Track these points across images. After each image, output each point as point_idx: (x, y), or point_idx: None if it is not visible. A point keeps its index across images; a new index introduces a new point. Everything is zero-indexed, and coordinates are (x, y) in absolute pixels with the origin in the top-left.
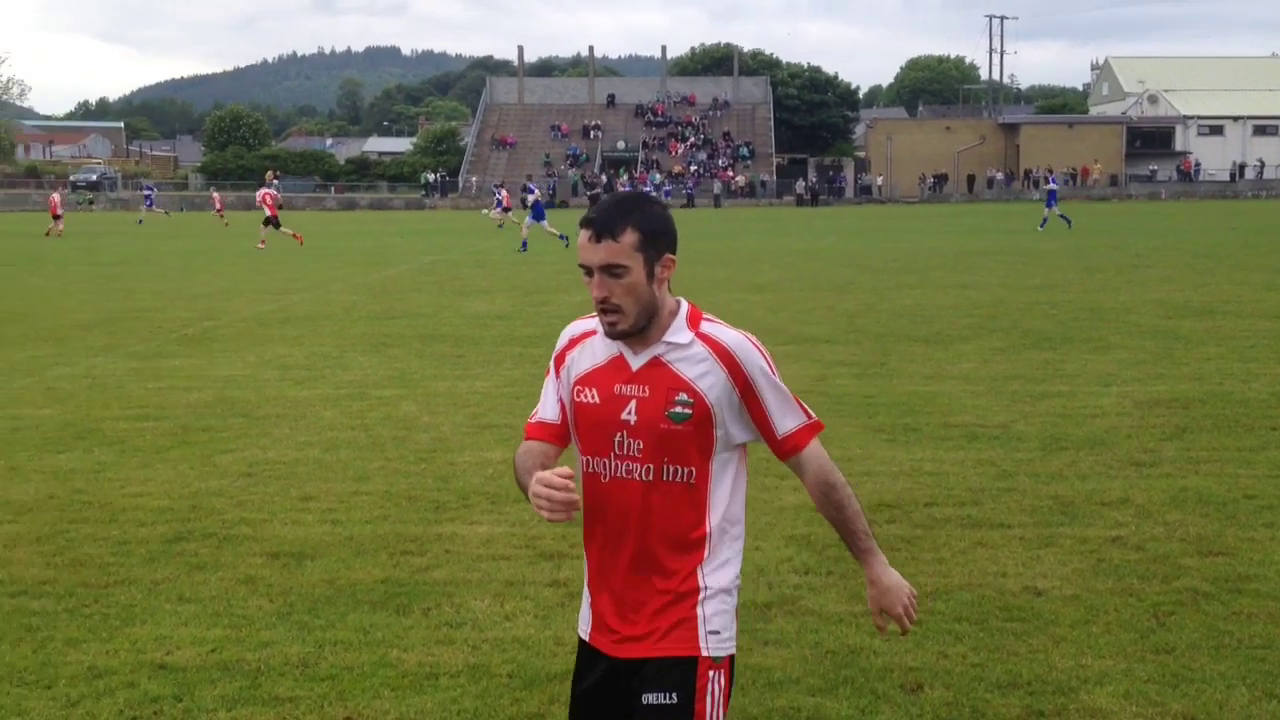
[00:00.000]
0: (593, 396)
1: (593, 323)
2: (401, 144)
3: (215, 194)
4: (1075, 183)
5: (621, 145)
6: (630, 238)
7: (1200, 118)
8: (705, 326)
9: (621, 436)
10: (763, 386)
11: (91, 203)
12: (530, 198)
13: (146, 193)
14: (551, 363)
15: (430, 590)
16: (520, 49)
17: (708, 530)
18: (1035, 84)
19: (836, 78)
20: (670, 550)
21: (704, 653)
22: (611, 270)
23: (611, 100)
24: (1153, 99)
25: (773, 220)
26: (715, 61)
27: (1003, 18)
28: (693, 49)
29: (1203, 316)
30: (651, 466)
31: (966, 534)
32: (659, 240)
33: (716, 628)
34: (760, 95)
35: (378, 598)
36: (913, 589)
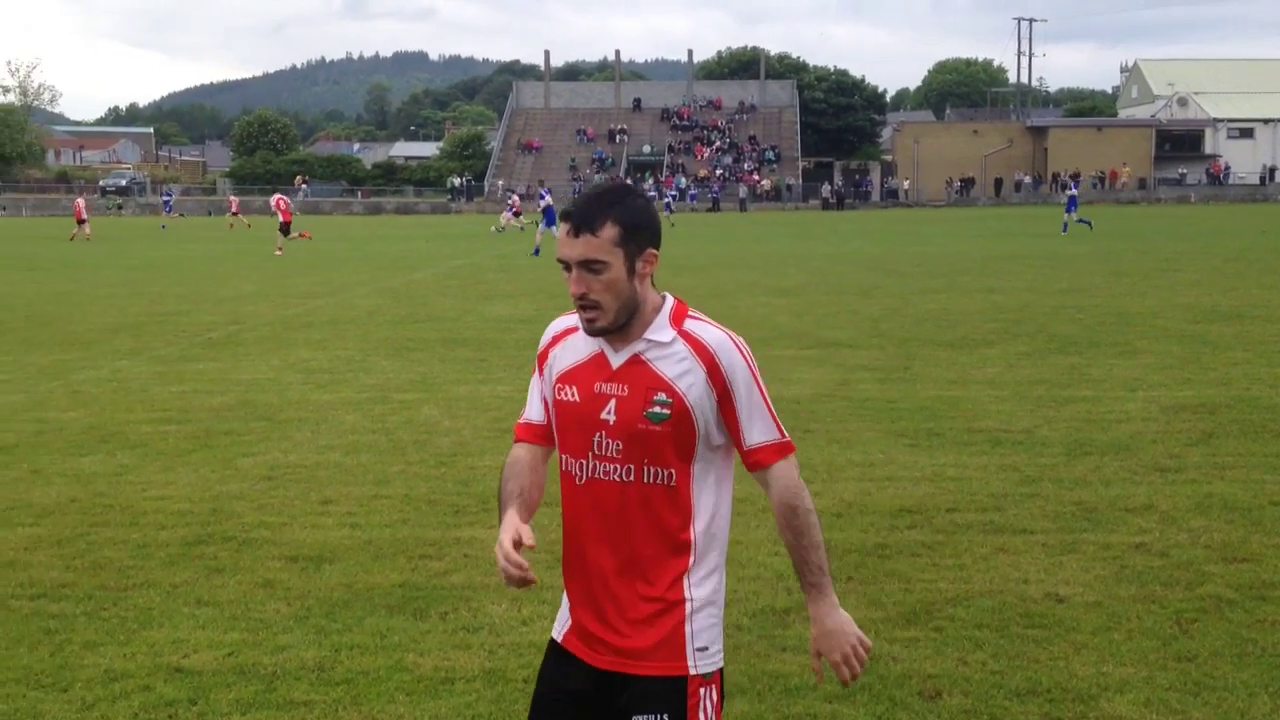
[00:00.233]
0: (573, 395)
1: (576, 319)
2: (428, 149)
3: (232, 197)
4: (1104, 186)
5: (647, 149)
6: (610, 232)
7: (1230, 120)
8: (689, 324)
9: (600, 436)
10: (739, 391)
11: (120, 207)
12: (542, 203)
13: (166, 199)
14: (536, 361)
15: (448, 594)
16: (546, 53)
17: (692, 536)
18: (1064, 87)
19: (863, 81)
20: (653, 555)
21: (693, 671)
22: (590, 266)
23: (637, 104)
24: (1182, 102)
25: (798, 224)
26: (741, 65)
27: (1031, 20)
28: (719, 53)
29: (1231, 321)
30: (631, 468)
31: (988, 540)
32: (640, 234)
33: (704, 643)
34: (786, 99)
35: (395, 602)
36: (864, 639)
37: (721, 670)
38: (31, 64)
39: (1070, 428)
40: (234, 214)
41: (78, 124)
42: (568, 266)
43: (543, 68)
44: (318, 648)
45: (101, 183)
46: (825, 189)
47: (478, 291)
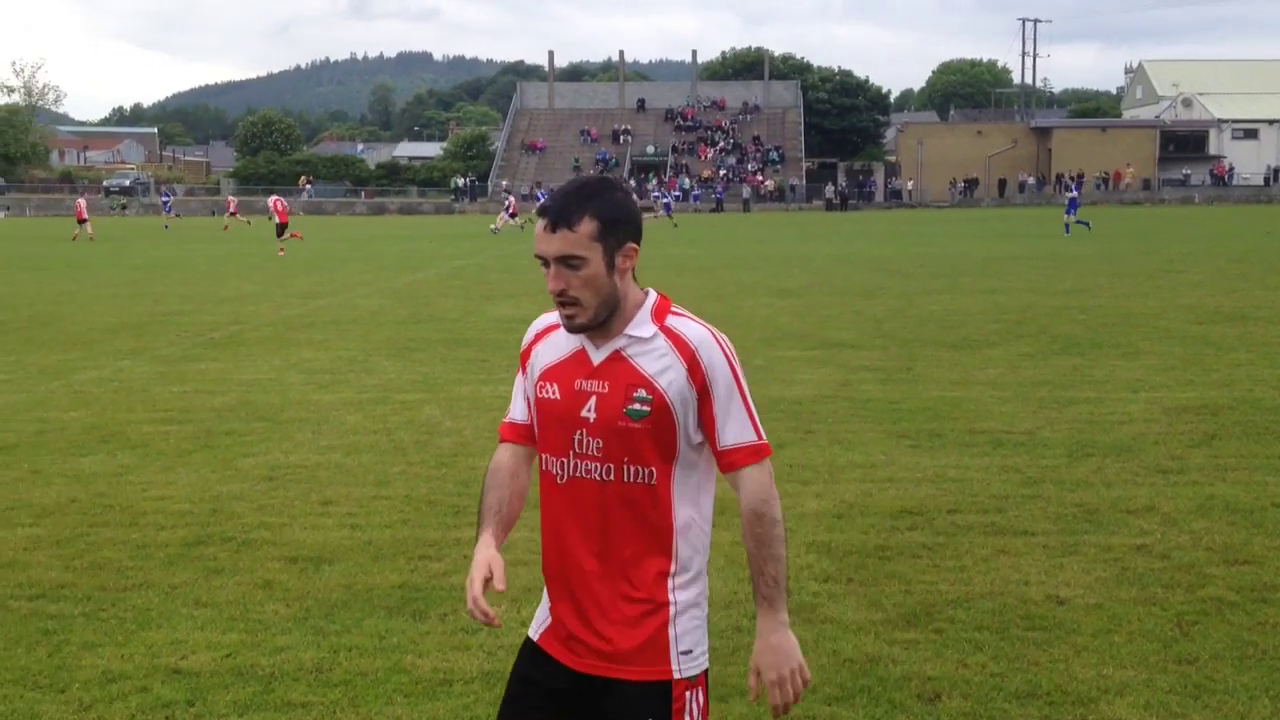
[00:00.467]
0: (554, 392)
1: (558, 316)
2: (432, 149)
3: (230, 197)
4: (1108, 187)
5: (651, 150)
6: (587, 227)
7: (1235, 121)
8: (671, 320)
9: (581, 434)
10: (718, 389)
11: (125, 207)
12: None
13: (164, 199)
14: (519, 359)
15: (447, 596)
16: (551, 54)
17: (674, 537)
18: (1068, 87)
19: (867, 81)
20: (635, 556)
21: (677, 675)
22: (568, 261)
23: (641, 105)
24: (1187, 102)
25: (802, 225)
26: (746, 65)
27: (1036, 20)
28: (723, 53)
29: (1234, 322)
30: (611, 467)
31: (989, 541)
32: (619, 228)
33: (688, 646)
34: (790, 99)
35: (394, 603)
36: (806, 670)
37: (706, 672)
38: (36, 64)
39: (1072, 429)
40: (231, 214)
41: (82, 124)
42: (546, 262)
43: (547, 68)
44: (316, 649)
45: (105, 183)
46: (829, 190)
47: (480, 292)
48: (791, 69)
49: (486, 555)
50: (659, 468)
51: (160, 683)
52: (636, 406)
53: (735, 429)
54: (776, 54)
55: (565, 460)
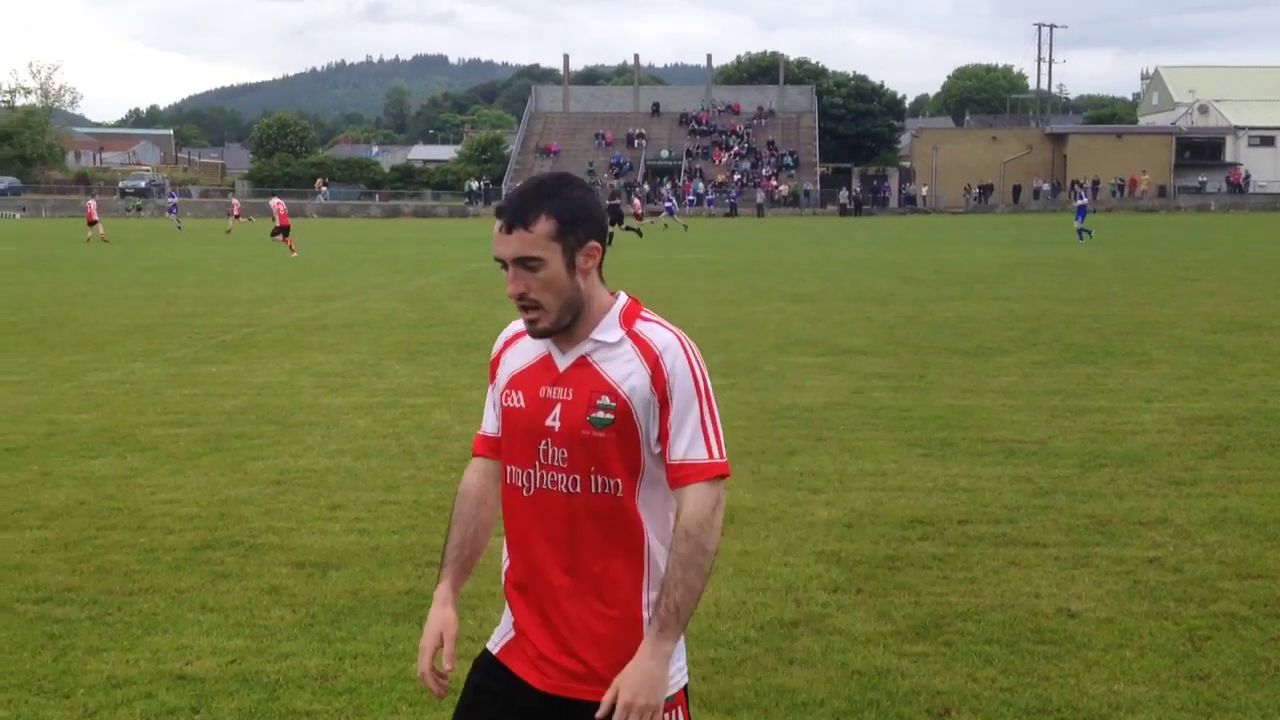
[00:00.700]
0: (519, 400)
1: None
2: (447, 152)
3: (234, 199)
4: (1123, 194)
5: (665, 154)
6: (544, 226)
7: (1251, 128)
8: (639, 325)
9: (546, 444)
10: (677, 399)
11: (140, 209)
12: None
13: (171, 201)
14: (489, 367)
15: None
16: (566, 57)
17: (646, 551)
18: (1084, 93)
19: (882, 86)
20: (604, 571)
21: None
22: (525, 263)
23: (656, 109)
24: (1203, 109)
25: (815, 230)
26: (761, 70)
27: (1052, 26)
28: (738, 57)
29: (1249, 331)
30: (577, 478)
31: (1000, 552)
32: (579, 227)
33: None
34: (805, 104)
35: (400, 609)
36: (660, 713)
37: (686, 688)
38: (53, 65)
39: (1085, 439)
40: (235, 217)
41: (98, 125)
42: (504, 265)
43: (562, 72)
44: (321, 656)
45: (121, 184)
46: (843, 195)
47: (493, 295)
48: (806, 74)
49: (440, 622)
50: (624, 480)
51: (165, 689)
52: (600, 414)
53: (688, 443)
54: (791, 58)
55: (531, 472)
